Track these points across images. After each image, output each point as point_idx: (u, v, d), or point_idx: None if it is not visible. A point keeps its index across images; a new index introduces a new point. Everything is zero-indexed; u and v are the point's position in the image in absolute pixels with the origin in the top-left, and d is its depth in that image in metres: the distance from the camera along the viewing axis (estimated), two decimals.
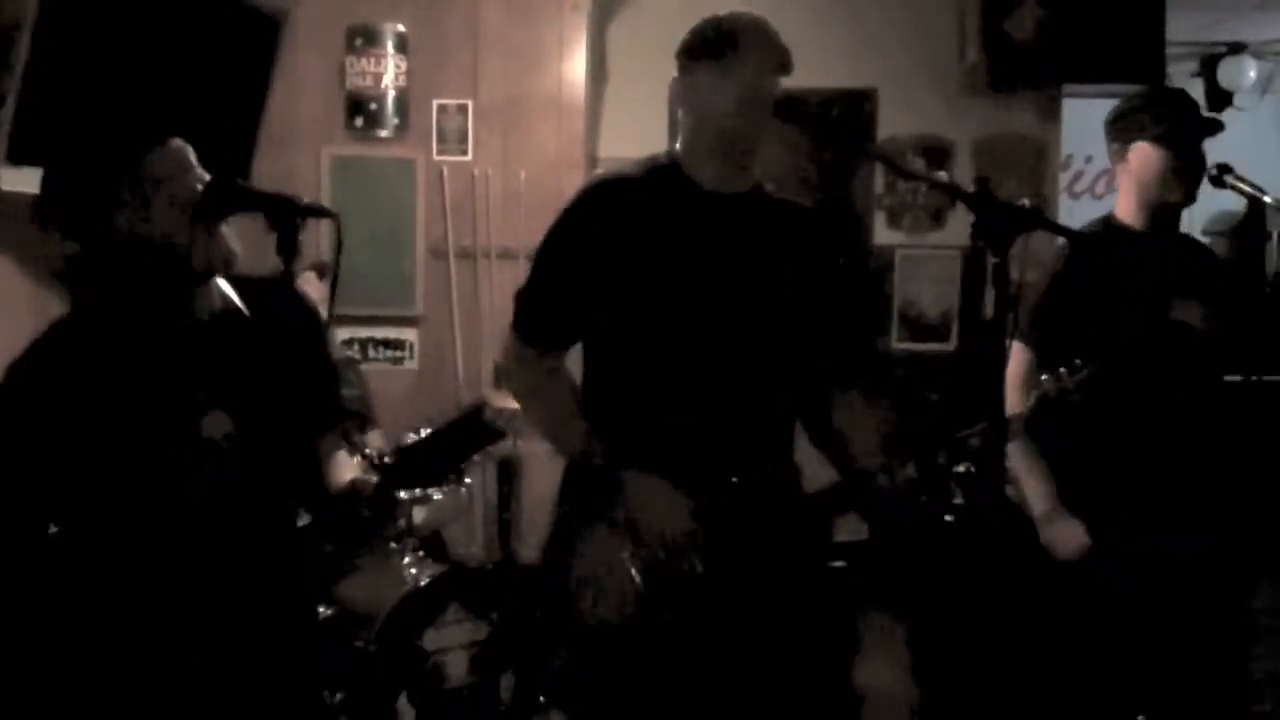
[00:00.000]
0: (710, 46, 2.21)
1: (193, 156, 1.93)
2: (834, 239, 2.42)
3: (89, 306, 1.99)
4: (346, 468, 2.26)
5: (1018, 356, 2.84)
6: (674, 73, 2.28)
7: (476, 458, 3.76)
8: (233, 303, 2.03)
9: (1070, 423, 2.72)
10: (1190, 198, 2.86)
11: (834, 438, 2.35)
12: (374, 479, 2.21)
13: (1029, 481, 2.87)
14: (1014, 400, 2.76)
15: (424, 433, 3.50)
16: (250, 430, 1.98)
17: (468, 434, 3.54)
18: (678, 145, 2.30)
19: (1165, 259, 2.88)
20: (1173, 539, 2.75)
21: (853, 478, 2.30)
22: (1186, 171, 2.81)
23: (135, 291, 1.94)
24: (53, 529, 1.95)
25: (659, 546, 2.15)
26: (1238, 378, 2.92)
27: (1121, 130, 2.91)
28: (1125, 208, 2.92)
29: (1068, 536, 2.82)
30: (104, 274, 1.94)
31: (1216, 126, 2.89)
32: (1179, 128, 2.84)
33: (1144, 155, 2.85)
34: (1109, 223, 2.95)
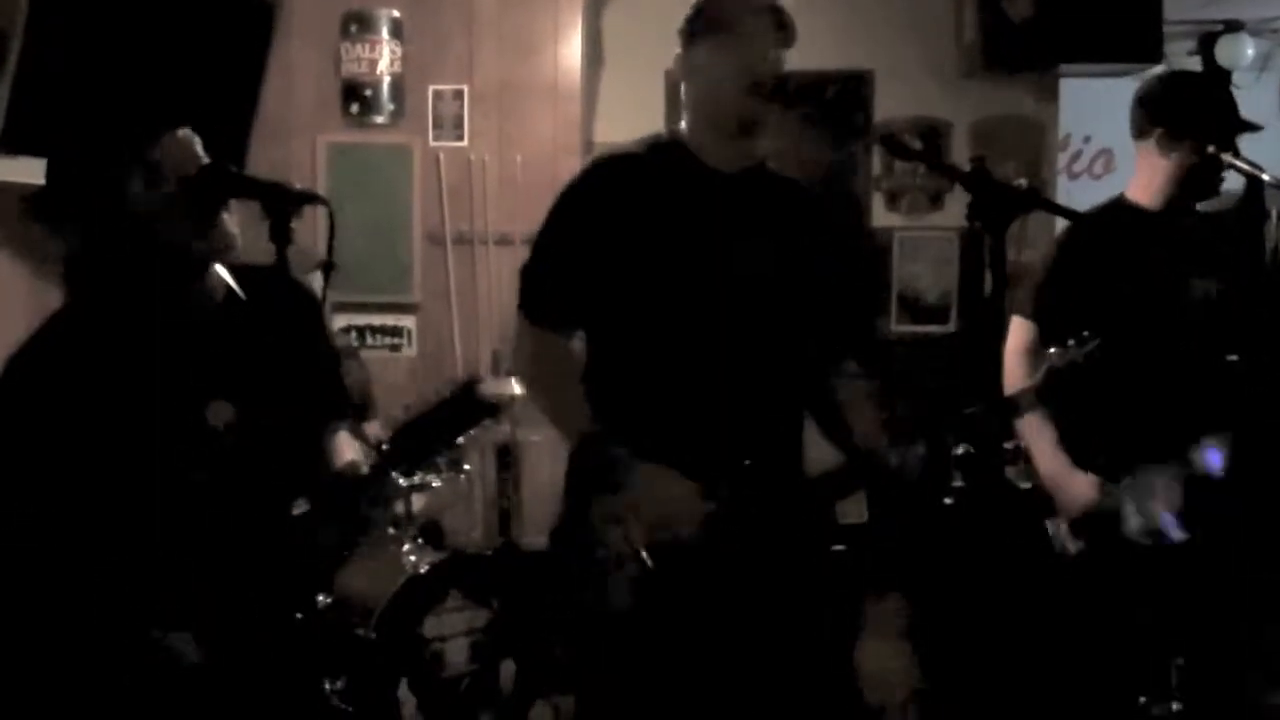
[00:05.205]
0: (711, 22, 2.20)
1: (199, 145, 1.93)
2: (835, 218, 2.41)
3: (89, 297, 1.99)
4: (348, 449, 2.25)
5: (1019, 332, 2.83)
6: (676, 49, 2.27)
7: (474, 439, 3.75)
8: (233, 290, 2.03)
9: (1081, 400, 2.72)
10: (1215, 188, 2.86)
11: (840, 422, 2.34)
12: (366, 462, 2.20)
13: (1037, 444, 2.86)
14: (1013, 373, 2.76)
15: (414, 410, 3.53)
16: (253, 418, 1.98)
17: (462, 410, 3.57)
18: (682, 122, 2.29)
19: (1181, 237, 2.86)
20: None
21: (858, 459, 2.28)
22: (1224, 152, 2.78)
23: (137, 280, 1.94)
24: (53, 521, 1.94)
25: (665, 532, 2.13)
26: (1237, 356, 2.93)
27: (1165, 99, 2.87)
28: (1141, 187, 2.89)
29: (1079, 490, 2.81)
30: (108, 262, 1.94)
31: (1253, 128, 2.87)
32: (1231, 112, 2.83)
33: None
34: (1119, 203, 2.93)
